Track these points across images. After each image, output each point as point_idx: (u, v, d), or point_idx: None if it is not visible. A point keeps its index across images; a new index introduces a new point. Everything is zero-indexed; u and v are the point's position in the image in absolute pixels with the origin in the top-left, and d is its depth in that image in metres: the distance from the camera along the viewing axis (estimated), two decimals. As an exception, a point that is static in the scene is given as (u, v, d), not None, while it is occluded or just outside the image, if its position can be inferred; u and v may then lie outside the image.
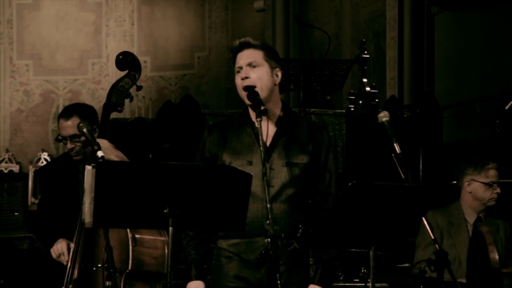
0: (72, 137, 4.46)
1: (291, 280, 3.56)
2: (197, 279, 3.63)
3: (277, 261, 3.37)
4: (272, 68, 3.62)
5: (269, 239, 3.42)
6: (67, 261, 4.29)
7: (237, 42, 3.65)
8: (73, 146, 4.48)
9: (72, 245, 4.30)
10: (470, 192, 5.09)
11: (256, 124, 3.51)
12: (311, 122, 3.83)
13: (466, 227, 5.05)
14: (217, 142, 3.65)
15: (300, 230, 3.56)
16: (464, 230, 5.04)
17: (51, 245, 4.44)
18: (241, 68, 3.60)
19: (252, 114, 3.62)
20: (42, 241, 4.59)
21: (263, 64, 3.59)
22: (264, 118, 3.50)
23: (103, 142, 4.00)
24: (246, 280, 3.56)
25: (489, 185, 5.05)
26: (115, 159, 4.03)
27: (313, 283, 3.58)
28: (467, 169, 5.11)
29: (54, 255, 4.41)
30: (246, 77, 3.57)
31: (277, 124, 3.63)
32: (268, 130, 3.57)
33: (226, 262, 3.61)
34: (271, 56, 3.64)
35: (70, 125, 4.45)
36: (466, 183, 5.10)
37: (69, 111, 4.53)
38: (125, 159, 4.13)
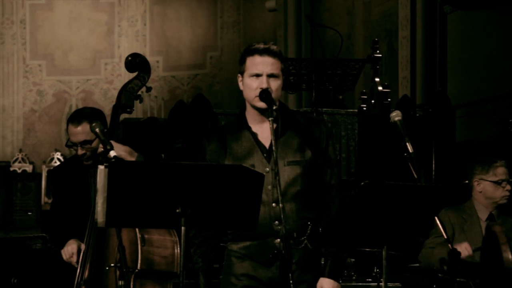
0: (83, 143, 4.39)
1: (302, 279, 3.56)
2: (205, 287, 3.64)
3: (290, 261, 3.38)
4: (283, 78, 3.62)
5: (279, 240, 3.45)
6: (77, 263, 4.30)
7: (261, 46, 3.59)
8: (84, 152, 4.40)
9: (83, 246, 4.29)
10: (481, 192, 5.06)
11: (253, 129, 3.57)
12: (308, 117, 3.79)
13: (479, 223, 5.03)
14: (217, 150, 3.64)
15: (309, 227, 3.57)
16: (477, 226, 5.02)
17: (63, 246, 4.44)
18: (260, 75, 3.56)
19: (249, 118, 3.63)
20: (54, 242, 4.58)
21: (280, 76, 3.58)
22: (264, 119, 3.53)
23: (119, 146, 4.01)
24: (257, 279, 3.56)
25: (498, 183, 5.02)
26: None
27: (323, 276, 3.58)
28: (476, 169, 5.08)
29: (64, 257, 4.40)
30: (267, 88, 3.54)
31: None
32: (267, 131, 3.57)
33: (237, 262, 3.61)
34: (283, 66, 3.63)
35: (80, 131, 4.38)
36: (476, 183, 5.07)
37: (78, 117, 4.43)
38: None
